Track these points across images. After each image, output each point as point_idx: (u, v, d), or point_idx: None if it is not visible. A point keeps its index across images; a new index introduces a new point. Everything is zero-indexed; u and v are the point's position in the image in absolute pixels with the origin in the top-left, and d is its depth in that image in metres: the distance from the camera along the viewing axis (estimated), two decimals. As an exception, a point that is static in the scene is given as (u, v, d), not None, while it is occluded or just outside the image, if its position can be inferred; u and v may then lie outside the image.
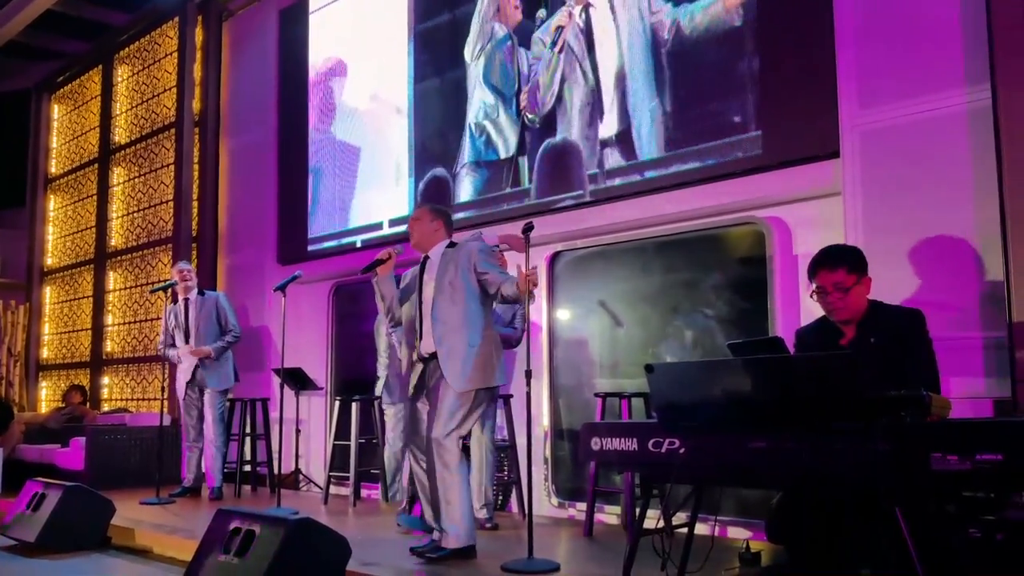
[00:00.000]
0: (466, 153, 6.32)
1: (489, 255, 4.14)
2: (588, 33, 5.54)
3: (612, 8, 5.42)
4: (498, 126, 6.15)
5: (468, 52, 6.43)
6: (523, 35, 6.05)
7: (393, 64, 6.96)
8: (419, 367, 4.08)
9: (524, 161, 5.93)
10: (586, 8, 5.58)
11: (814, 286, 3.12)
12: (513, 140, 6.02)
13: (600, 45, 5.46)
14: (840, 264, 3.08)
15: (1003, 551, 2.29)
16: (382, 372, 5.66)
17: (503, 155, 6.07)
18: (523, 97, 5.97)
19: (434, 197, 6.38)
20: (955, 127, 3.96)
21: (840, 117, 4.32)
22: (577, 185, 5.55)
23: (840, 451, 2.28)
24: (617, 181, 5.30)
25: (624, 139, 5.28)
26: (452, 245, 4.17)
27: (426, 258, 4.19)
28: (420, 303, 4.10)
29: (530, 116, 5.91)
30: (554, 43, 5.72)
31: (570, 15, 5.67)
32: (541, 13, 5.85)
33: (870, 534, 2.63)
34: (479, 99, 6.30)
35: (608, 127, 5.37)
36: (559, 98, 5.65)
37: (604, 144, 5.38)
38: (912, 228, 3.94)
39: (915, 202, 4.02)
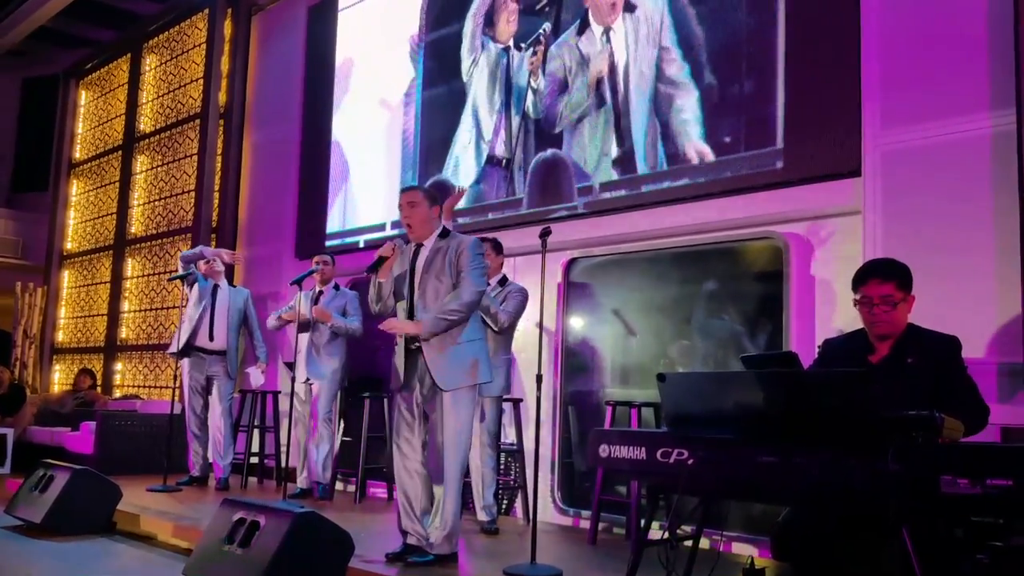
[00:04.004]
0: (468, 161, 6.42)
1: (476, 255, 3.93)
2: (611, 55, 5.55)
3: (634, 23, 5.43)
4: (490, 138, 6.30)
5: (464, 67, 6.57)
6: (522, 40, 6.20)
7: (405, 68, 7.05)
8: (410, 358, 3.96)
9: (519, 171, 6.06)
10: (607, 31, 5.59)
11: (859, 295, 3.06)
12: (505, 152, 6.18)
13: (620, 63, 5.47)
14: (892, 277, 3.02)
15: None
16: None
17: (500, 164, 6.21)
18: (527, 106, 6.05)
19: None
20: (978, 150, 3.93)
21: (863, 136, 4.31)
22: (567, 197, 5.63)
23: (850, 469, 2.26)
24: (638, 190, 5.30)
25: (642, 151, 5.28)
26: (444, 235, 4.02)
27: (419, 246, 4.04)
28: (412, 293, 3.98)
29: (519, 126, 6.03)
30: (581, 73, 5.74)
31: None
32: (544, 28, 5.88)
33: (876, 554, 2.61)
34: (470, 115, 6.47)
35: (628, 140, 5.37)
36: (580, 116, 5.69)
37: (623, 155, 5.38)
38: (931, 250, 3.92)
39: (935, 224, 4.00)
